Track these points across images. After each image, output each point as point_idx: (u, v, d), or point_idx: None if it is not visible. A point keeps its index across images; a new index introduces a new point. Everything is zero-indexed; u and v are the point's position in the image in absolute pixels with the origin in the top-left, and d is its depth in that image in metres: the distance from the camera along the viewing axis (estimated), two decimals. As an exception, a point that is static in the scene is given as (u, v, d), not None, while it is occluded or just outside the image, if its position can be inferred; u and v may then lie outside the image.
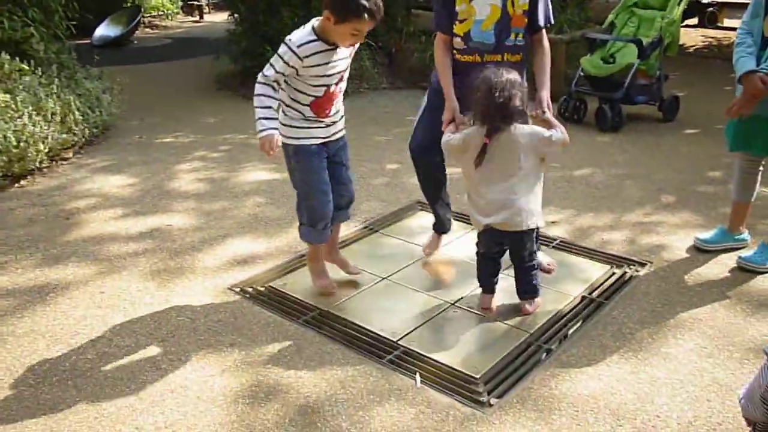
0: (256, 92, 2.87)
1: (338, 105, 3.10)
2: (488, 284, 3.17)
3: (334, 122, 3.12)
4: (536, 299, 3.15)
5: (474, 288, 3.30)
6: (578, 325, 3.06)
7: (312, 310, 3.23)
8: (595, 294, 3.31)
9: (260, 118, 2.85)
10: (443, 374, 2.74)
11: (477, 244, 3.11)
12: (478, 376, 2.71)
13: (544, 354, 2.86)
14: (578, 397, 2.57)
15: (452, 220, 3.76)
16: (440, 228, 3.71)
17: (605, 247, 3.78)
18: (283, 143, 2.98)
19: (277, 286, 3.44)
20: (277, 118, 2.92)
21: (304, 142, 3.03)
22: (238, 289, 3.43)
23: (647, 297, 3.25)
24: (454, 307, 3.21)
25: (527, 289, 3.14)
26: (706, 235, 3.70)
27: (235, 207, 4.46)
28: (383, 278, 3.48)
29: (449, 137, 2.99)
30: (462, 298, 3.28)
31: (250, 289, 3.43)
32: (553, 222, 4.11)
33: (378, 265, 3.60)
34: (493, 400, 2.58)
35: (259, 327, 3.09)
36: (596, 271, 3.52)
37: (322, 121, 3.04)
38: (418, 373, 2.73)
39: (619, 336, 2.94)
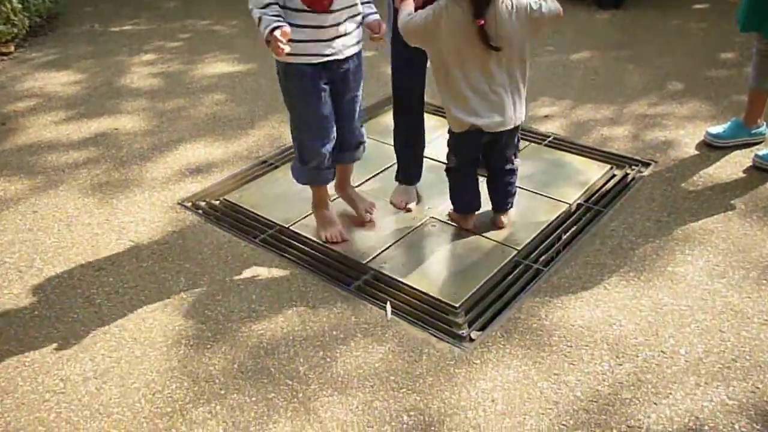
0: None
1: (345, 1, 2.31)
2: (472, 203, 2.75)
3: (339, 32, 2.33)
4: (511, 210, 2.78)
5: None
6: (572, 239, 2.69)
7: (271, 227, 2.84)
8: (592, 200, 2.92)
9: (261, 17, 2.18)
10: (418, 303, 2.39)
11: (451, 155, 2.66)
12: (457, 305, 2.36)
13: (533, 276, 2.50)
14: (571, 329, 2.23)
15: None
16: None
17: (605, 145, 3.35)
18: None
19: (233, 199, 3.03)
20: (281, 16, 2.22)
21: (294, 60, 2.32)
22: (189, 204, 3.03)
23: (651, 204, 2.86)
24: (433, 221, 2.82)
25: (508, 197, 2.75)
26: (718, 128, 3.26)
27: (191, 105, 3.98)
28: (353, 187, 3.07)
29: (409, 15, 2.37)
30: (444, 206, 2.89)
31: (203, 204, 3.03)
32: (545, 116, 3.66)
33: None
34: (474, 334, 2.25)
35: (210, 250, 2.71)
36: (594, 173, 3.12)
37: (320, 27, 2.28)
38: (388, 303, 2.38)
39: (619, 252, 2.58)
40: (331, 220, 2.75)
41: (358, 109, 2.60)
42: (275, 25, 2.14)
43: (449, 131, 2.58)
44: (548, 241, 2.69)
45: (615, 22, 5.08)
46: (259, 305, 2.40)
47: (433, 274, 2.52)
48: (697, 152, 3.23)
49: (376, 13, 2.44)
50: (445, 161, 2.70)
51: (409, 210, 2.91)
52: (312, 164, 2.55)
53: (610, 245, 2.63)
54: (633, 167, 3.15)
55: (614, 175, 3.11)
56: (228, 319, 2.34)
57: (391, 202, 2.96)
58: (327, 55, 2.34)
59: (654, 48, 4.51)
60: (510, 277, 2.49)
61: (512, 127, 2.50)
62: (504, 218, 2.77)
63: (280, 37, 2.11)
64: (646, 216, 2.78)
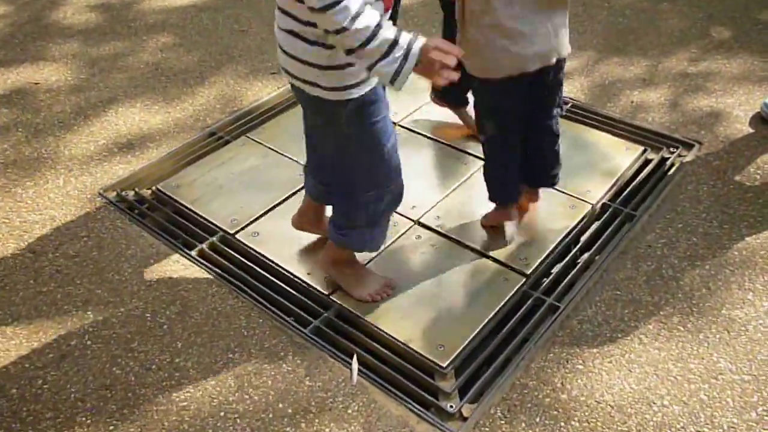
0: (350, 26, 1.32)
1: None
2: (518, 188, 2.11)
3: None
4: None
5: (449, 191, 2.28)
6: (595, 257, 2.09)
7: (212, 233, 2.23)
8: (621, 199, 2.29)
9: (393, 40, 1.35)
10: (394, 358, 1.82)
11: (486, 119, 1.99)
12: (445, 365, 1.78)
13: (545, 314, 1.92)
14: (597, 408, 1.67)
15: None
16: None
17: (636, 116, 2.69)
18: (322, 102, 1.57)
19: (168, 189, 2.40)
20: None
21: (368, 87, 1.56)
22: (114, 194, 2.40)
23: (697, 207, 2.24)
24: (418, 230, 2.20)
25: (555, 168, 2.10)
26: (780, 99, 2.60)
27: (130, 51, 3.26)
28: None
29: None
30: (434, 207, 2.27)
31: (131, 194, 2.40)
32: (563, 74, 2.95)
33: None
34: (466, 409, 1.69)
35: (131, 267, 2.11)
36: (623, 158, 2.47)
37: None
38: (354, 359, 1.80)
39: (658, 282, 1.98)
40: (370, 272, 2.03)
41: None
42: (424, 45, 1.37)
43: (476, 87, 1.93)
44: (565, 261, 2.08)
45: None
46: (185, 359, 1.82)
47: (414, 313, 1.92)
48: (751, 130, 2.58)
49: None
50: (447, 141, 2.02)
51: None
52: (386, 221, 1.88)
53: (645, 270, 2.03)
54: (672, 149, 2.51)
55: (648, 161, 2.47)
56: (142, 382, 1.76)
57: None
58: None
59: (693, -20, 3.73)
60: (515, 317, 1.90)
61: (560, 57, 1.86)
62: (540, 195, 2.17)
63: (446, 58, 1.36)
64: (692, 226, 2.17)
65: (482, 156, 2.11)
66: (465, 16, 1.78)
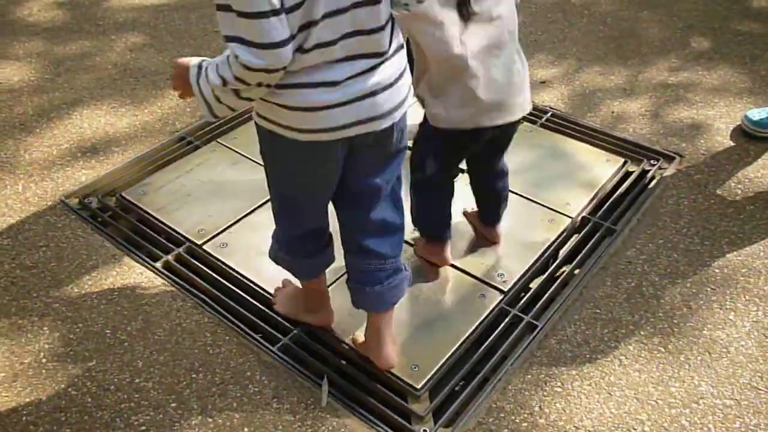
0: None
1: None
2: (446, 228, 2.01)
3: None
4: None
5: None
6: (576, 272, 2.03)
7: (178, 244, 2.13)
8: (601, 213, 2.24)
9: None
10: (366, 379, 1.74)
11: (428, 159, 1.87)
12: (419, 386, 1.71)
13: (523, 333, 1.85)
14: (575, 433, 1.60)
15: None
16: None
17: (617, 127, 2.64)
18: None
19: (133, 197, 2.30)
20: None
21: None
22: (76, 201, 2.29)
23: (678, 222, 2.19)
24: (393, 241, 2.12)
25: (503, 204, 2.06)
26: (759, 113, 2.57)
27: (98, 51, 3.15)
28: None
29: None
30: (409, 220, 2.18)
31: (94, 202, 2.29)
32: (542, 82, 2.91)
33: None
34: (440, 434, 1.61)
35: (92, 280, 2.01)
36: (604, 170, 2.42)
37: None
38: (325, 381, 1.72)
39: (638, 300, 1.93)
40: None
41: None
42: None
43: (425, 128, 1.80)
44: (544, 277, 2.02)
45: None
46: (146, 379, 1.73)
47: (388, 330, 1.84)
48: (732, 143, 2.54)
49: None
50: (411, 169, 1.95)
51: None
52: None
53: (625, 288, 1.97)
54: (653, 162, 2.46)
55: (629, 173, 2.43)
56: (99, 404, 1.66)
57: None
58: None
59: (673, -11, 3.71)
60: (492, 337, 1.84)
61: (521, 116, 1.76)
62: (500, 229, 2.10)
63: None
64: (673, 242, 2.12)
65: (463, 167, 2.04)
66: (420, 63, 1.66)
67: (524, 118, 1.84)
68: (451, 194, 1.96)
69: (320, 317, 1.84)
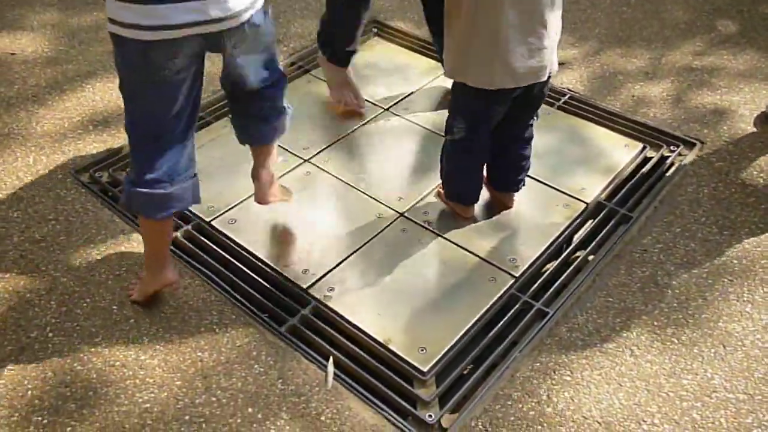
0: None
1: None
2: (478, 191, 2.06)
3: None
4: None
5: (438, 183, 2.17)
6: (589, 259, 1.99)
7: (187, 221, 2.12)
8: (617, 199, 2.19)
9: None
10: (371, 362, 1.72)
11: (457, 120, 1.89)
12: (426, 370, 1.69)
13: (533, 320, 1.82)
14: (583, 423, 1.58)
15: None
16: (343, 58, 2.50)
17: (637, 111, 2.58)
18: None
19: (144, 172, 2.27)
20: None
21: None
22: (86, 176, 2.28)
23: (696, 211, 2.14)
24: (404, 222, 2.10)
25: (522, 173, 2.06)
26: (787, 98, 2.49)
27: (113, 23, 3.11)
28: (304, 160, 2.33)
29: None
30: (421, 199, 2.16)
31: (105, 176, 2.28)
32: (561, 63, 2.84)
33: (299, 135, 2.42)
34: (446, 419, 1.60)
35: (100, 255, 2.00)
36: (621, 154, 2.37)
37: None
38: (330, 362, 1.71)
39: (652, 290, 1.89)
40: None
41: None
42: None
43: (457, 88, 1.84)
44: (557, 263, 1.98)
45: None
46: (152, 356, 1.72)
47: (396, 312, 1.83)
48: (755, 129, 2.47)
49: None
50: (443, 130, 1.98)
51: (361, 112, 2.47)
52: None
53: (639, 276, 1.93)
54: (672, 148, 2.40)
55: (648, 159, 2.37)
56: (104, 380, 1.66)
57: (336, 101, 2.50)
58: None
59: (700, -31, 3.60)
60: (501, 323, 1.81)
61: (546, 77, 1.79)
62: (514, 197, 2.12)
63: None
64: (690, 231, 2.07)
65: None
66: (456, 12, 1.66)
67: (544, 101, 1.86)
68: (479, 160, 1.98)
69: (162, 278, 1.78)
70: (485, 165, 2.04)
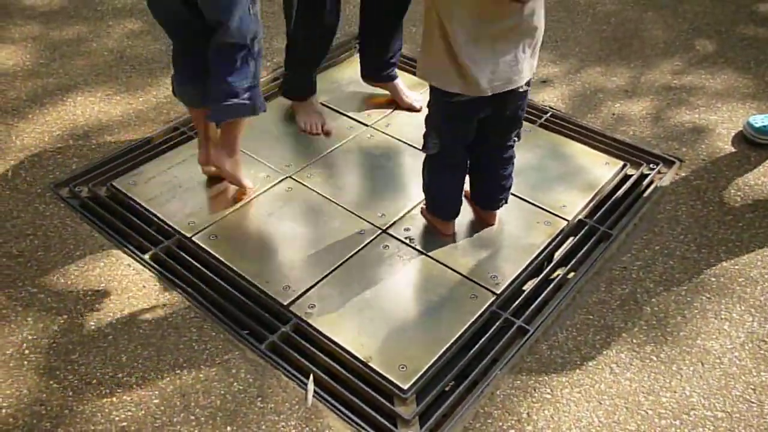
0: None
1: None
2: (457, 206, 2.07)
3: None
4: None
5: (420, 201, 2.18)
6: (569, 276, 2.00)
7: (168, 236, 2.10)
8: (598, 216, 2.21)
9: None
10: (352, 380, 1.71)
11: (432, 134, 1.90)
12: (406, 387, 1.68)
13: (514, 338, 1.83)
14: (563, 442, 1.57)
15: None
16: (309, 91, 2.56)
17: (617, 129, 2.60)
18: None
19: (123, 186, 2.27)
20: None
21: None
22: (66, 190, 2.26)
23: (675, 228, 2.16)
24: (386, 238, 2.10)
25: (503, 192, 2.07)
26: (762, 119, 2.53)
27: (95, 36, 3.11)
28: (286, 176, 2.33)
29: None
30: (403, 216, 2.16)
31: (84, 191, 2.26)
32: (543, 81, 2.87)
33: (282, 151, 2.42)
34: (426, 439, 1.59)
35: (78, 270, 1.98)
36: (602, 172, 2.39)
37: None
38: (311, 380, 1.70)
39: (632, 307, 1.90)
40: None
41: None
42: None
43: (429, 102, 1.86)
44: (537, 280, 1.99)
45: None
46: (129, 373, 1.70)
47: (377, 329, 1.82)
48: (733, 149, 2.51)
49: None
50: (420, 144, 1.99)
51: (328, 133, 2.47)
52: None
53: (619, 294, 1.94)
54: (652, 166, 2.43)
55: (628, 177, 2.39)
56: (80, 398, 1.64)
57: (302, 130, 2.51)
58: None
59: (679, -10, 3.66)
60: (482, 340, 1.81)
61: (524, 84, 1.78)
62: (495, 215, 2.12)
63: None
64: (669, 248, 2.09)
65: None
66: (429, 17, 1.68)
67: (525, 116, 1.87)
68: (456, 175, 2.00)
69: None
70: (470, 181, 2.06)
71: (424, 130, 1.93)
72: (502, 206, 2.10)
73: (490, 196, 2.08)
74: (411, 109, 2.61)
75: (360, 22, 2.52)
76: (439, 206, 2.08)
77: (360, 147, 2.46)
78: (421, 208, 2.15)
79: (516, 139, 1.96)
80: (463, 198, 2.09)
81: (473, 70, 1.66)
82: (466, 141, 1.92)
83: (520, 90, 1.78)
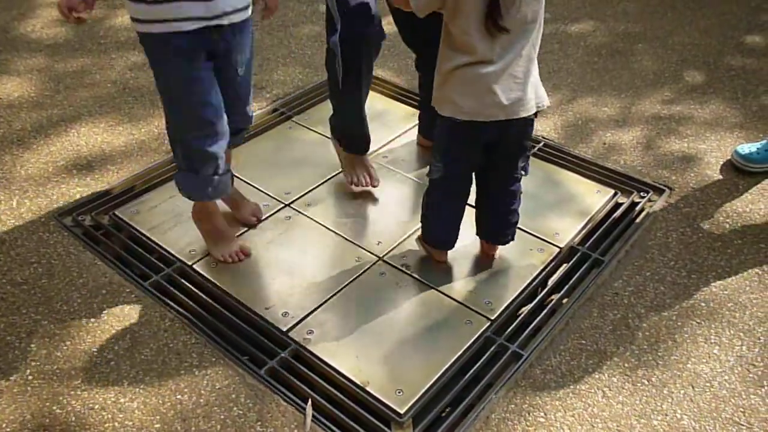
0: None
1: None
2: (453, 236, 2.10)
3: None
4: None
5: (416, 228, 2.23)
6: (563, 302, 2.04)
7: (169, 263, 2.15)
8: (590, 243, 2.26)
9: None
10: (350, 405, 1.74)
11: (436, 159, 1.94)
12: (403, 411, 1.71)
13: (508, 363, 1.86)
14: (557, 465, 1.60)
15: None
16: (361, 147, 2.44)
17: (608, 158, 2.67)
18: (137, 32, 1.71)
19: (126, 216, 2.32)
20: None
21: (165, 29, 1.67)
22: (69, 219, 2.31)
23: (666, 255, 2.21)
24: (383, 266, 2.14)
25: (509, 228, 2.09)
26: (749, 148, 2.60)
27: (98, 69, 3.19)
28: (285, 205, 2.38)
29: None
30: (400, 243, 2.21)
31: (88, 219, 2.31)
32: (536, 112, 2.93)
33: (281, 180, 2.48)
34: (422, 462, 1.62)
35: (81, 297, 2.02)
36: (594, 200, 2.45)
37: None
38: (309, 405, 1.73)
39: (623, 332, 1.94)
40: (226, 234, 2.13)
41: (244, 84, 1.95)
42: None
43: (440, 123, 1.88)
44: (531, 306, 2.04)
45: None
46: (131, 399, 1.73)
47: (374, 354, 1.86)
48: (722, 177, 2.57)
49: None
50: (421, 175, 2.04)
51: (375, 185, 2.40)
52: (207, 170, 1.90)
53: (611, 319, 1.99)
54: (642, 194, 2.48)
55: (619, 204, 2.45)
56: (83, 423, 1.67)
57: (352, 182, 2.41)
58: (208, 16, 1.69)
59: (667, 22, 3.76)
60: (477, 364, 1.84)
61: (532, 112, 1.82)
62: (497, 248, 2.16)
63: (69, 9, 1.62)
64: (660, 274, 2.13)
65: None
66: (443, 45, 1.75)
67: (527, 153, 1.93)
68: (456, 204, 2.03)
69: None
70: (476, 215, 2.10)
71: (423, 159, 1.98)
72: (509, 242, 2.11)
73: (497, 230, 2.09)
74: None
75: (421, 79, 2.51)
76: (435, 235, 2.12)
77: (357, 176, 2.51)
78: (418, 236, 2.19)
79: (522, 172, 1.99)
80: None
81: (477, 96, 1.72)
82: (470, 167, 1.96)
83: (527, 117, 1.83)
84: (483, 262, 2.16)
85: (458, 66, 1.72)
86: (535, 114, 1.85)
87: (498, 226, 2.09)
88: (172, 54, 1.71)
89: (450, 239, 2.10)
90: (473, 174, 2.00)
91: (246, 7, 1.79)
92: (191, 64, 1.73)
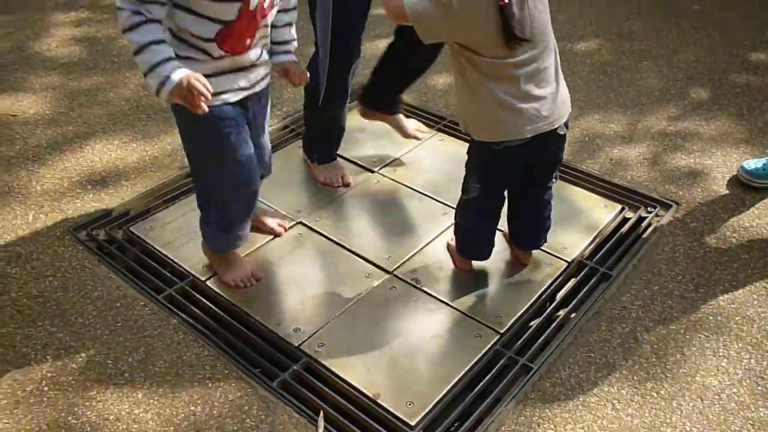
0: (123, 26, 1.55)
1: (263, 32, 1.77)
2: (487, 249, 2.15)
3: (255, 64, 1.81)
4: None
5: (426, 243, 2.26)
6: (571, 316, 2.06)
7: (182, 277, 2.18)
8: (598, 258, 2.28)
9: (154, 65, 1.54)
10: (360, 416, 1.76)
11: (472, 180, 1.97)
12: (414, 423, 1.73)
13: (518, 375, 1.88)
14: (567, 477, 1.62)
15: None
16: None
17: (615, 174, 2.69)
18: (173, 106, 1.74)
19: (140, 231, 2.35)
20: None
21: (215, 101, 1.72)
22: (84, 233, 2.34)
23: (673, 269, 2.23)
24: (393, 281, 2.17)
25: (542, 233, 2.16)
26: (755, 163, 2.62)
27: (112, 86, 3.24)
28: (297, 222, 2.41)
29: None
30: (410, 258, 2.24)
31: (102, 234, 2.35)
32: (544, 128, 2.97)
33: (291, 197, 2.51)
34: (433, 474, 1.63)
35: (96, 310, 2.05)
36: (601, 215, 2.47)
37: (238, 61, 1.75)
38: (321, 417, 1.75)
39: (632, 345, 1.96)
40: (238, 260, 2.16)
41: (265, 142, 2.11)
42: (178, 79, 1.54)
43: (471, 147, 1.93)
44: (540, 319, 2.06)
45: (630, 3, 4.34)
46: (145, 410, 1.76)
47: (385, 367, 1.88)
48: (728, 192, 2.59)
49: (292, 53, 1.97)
50: (431, 191, 2.07)
51: (348, 184, 2.54)
52: (237, 229, 2.04)
53: (619, 332, 2.00)
54: (649, 209, 2.51)
55: (626, 219, 2.47)
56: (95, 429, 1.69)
57: (323, 183, 2.57)
58: (248, 87, 1.82)
59: (672, 40, 3.80)
60: (487, 377, 1.86)
61: (563, 122, 1.86)
62: (531, 254, 2.22)
63: (201, 88, 1.55)
64: (667, 288, 2.15)
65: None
66: (467, 75, 1.76)
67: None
68: (492, 220, 2.07)
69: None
70: (509, 224, 2.15)
71: (432, 174, 2.01)
72: (541, 246, 2.19)
73: (531, 237, 2.16)
74: (415, 138, 2.72)
75: (381, 62, 2.54)
76: (472, 250, 2.15)
77: (367, 192, 2.55)
78: (448, 242, 2.23)
79: (554, 180, 2.04)
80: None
81: (511, 116, 1.74)
82: (507, 186, 1.99)
83: (560, 132, 1.85)
84: (492, 277, 2.18)
85: (490, 90, 1.72)
86: (566, 124, 1.88)
87: (534, 235, 2.15)
88: (223, 126, 1.78)
89: (488, 253, 2.14)
90: (511, 186, 2.02)
91: (268, 74, 1.89)
92: (237, 131, 1.81)
